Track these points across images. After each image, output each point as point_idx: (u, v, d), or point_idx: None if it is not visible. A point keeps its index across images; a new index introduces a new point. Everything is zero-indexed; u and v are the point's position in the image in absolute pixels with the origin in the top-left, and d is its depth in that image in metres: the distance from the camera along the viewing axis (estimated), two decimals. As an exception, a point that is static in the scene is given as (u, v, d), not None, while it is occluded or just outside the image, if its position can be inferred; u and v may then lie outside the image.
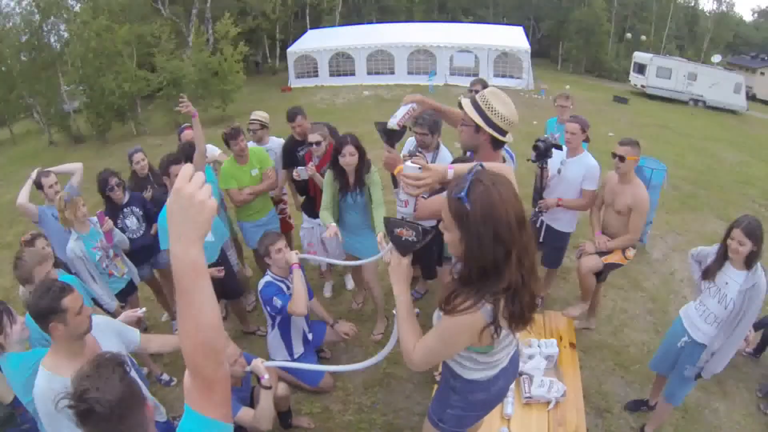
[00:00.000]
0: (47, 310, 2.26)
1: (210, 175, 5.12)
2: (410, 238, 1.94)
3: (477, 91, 5.83)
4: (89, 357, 2.43)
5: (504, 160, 2.64)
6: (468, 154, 2.82)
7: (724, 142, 15.61)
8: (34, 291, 2.32)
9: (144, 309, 3.65)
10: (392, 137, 2.52)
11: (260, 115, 5.59)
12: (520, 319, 1.72)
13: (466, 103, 2.50)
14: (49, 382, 2.29)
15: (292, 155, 5.16)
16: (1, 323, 2.72)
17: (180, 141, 5.51)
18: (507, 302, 1.67)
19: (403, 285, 2.01)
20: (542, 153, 4.38)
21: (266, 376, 3.19)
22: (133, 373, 2.02)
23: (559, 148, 4.39)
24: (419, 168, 1.99)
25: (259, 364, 3.22)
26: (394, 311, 2.07)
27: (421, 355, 1.90)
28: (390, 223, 1.98)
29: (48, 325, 2.28)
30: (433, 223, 2.04)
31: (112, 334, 2.74)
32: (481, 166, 1.75)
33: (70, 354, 2.38)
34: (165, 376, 4.61)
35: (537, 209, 4.68)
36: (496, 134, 2.44)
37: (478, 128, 2.46)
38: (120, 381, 1.76)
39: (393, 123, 2.45)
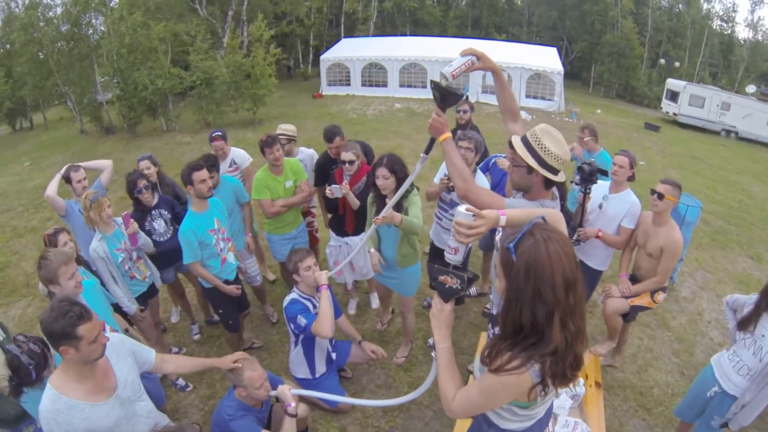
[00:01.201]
0: (60, 334, 2.17)
1: (234, 180, 5.15)
2: (454, 286, 1.90)
3: (465, 111, 5.79)
4: (99, 379, 2.38)
5: (554, 197, 2.55)
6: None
7: (756, 176, 15.28)
8: (51, 309, 2.22)
9: None
10: (446, 100, 2.32)
11: (287, 128, 5.56)
12: (563, 379, 1.66)
13: (517, 143, 2.39)
14: (54, 403, 2.24)
15: (325, 172, 5.10)
16: (47, 360, 2.72)
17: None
18: (551, 363, 1.61)
19: (444, 332, 1.97)
20: (587, 177, 4.22)
21: (293, 404, 3.15)
22: None
23: (605, 174, 4.27)
24: (472, 215, 1.91)
25: (286, 391, 3.18)
26: (433, 354, 2.01)
27: (462, 406, 1.86)
28: (435, 270, 1.94)
29: (59, 348, 2.21)
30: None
31: (126, 353, 2.66)
32: (543, 219, 1.70)
33: (79, 376, 2.32)
34: (180, 381, 4.59)
35: (575, 238, 4.51)
36: (549, 175, 2.34)
37: (530, 169, 2.36)
38: None
39: (447, 71, 2.28)
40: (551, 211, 2.07)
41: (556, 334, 1.59)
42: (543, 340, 1.61)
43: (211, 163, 4.74)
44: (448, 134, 2.43)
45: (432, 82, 2.31)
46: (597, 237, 4.42)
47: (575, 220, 4.56)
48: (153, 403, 2.81)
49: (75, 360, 2.25)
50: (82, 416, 2.28)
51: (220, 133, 5.45)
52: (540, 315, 1.58)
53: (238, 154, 5.72)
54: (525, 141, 2.37)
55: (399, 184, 3.89)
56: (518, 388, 1.67)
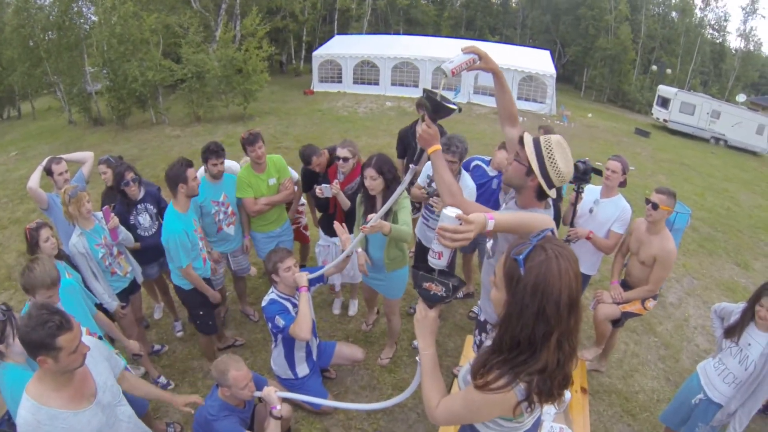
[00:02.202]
0: (38, 344, 2.06)
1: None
2: (439, 293, 1.84)
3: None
4: (78, 385, 2.28)
5: (547, 205, 2.49)
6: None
7: (744, 184, 15.44)
8: (29, 317, 2.11)
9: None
10: (437, 111, 2.23)
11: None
12: (549, 397, 1.61)
13: (528, 142, 2.32)
14: (34, 415, 2.13)
15: (312, 178, 4.97)
16: (3, 333, 2.58)
17: None
18: (539, 381, 1.56)
19: (429, 339, 1.92)
20: (580, 175, 4.16)
21: (278, 407, 3.09)
22: None
23: (599, 173, 4.22)
24: (458, 220, 1.83)
25: (272, 393, 3.12)
26: (417, 358, 1.96)
27: (444, 415, 1.81)
28: (419, 278, 1.87)
29: (36, 358, 2.10)
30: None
31: (101, 358, 2.56)
32: (552, 232, 1.64)
33: (57, 384, 2.21)
34: (162, 379, 4.52)
35: (566, 238, 4.48)
36: (545, 186, 2.29)
37: (530, 172, 2.30)
38: None
39: (447, 68, 2.19)
40: (543, 217, 2.01)
41: (550, 353, 1.54)
42: (533, 356, 1.55)
43: (220, 148, 4.61)
44: (438, 147, 2.37)
45: (425, 91, 2.24)
46: (587, 238, 4.39)
47: (565, 220, 4.53)
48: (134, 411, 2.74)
49: (53, 370, 2.15)
50: (64, 425, 2.19)
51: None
52: (539, 333, 1.52)
53: (228, 168, 5.54)
54: (536, 144, 2.31)
55: (387, 186, 3.85)
56: (502, 406, 1.62)
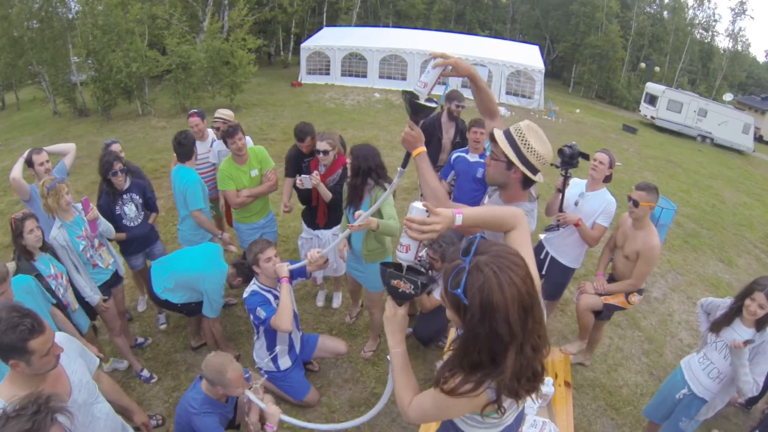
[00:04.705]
0: (9, 348, 2.02)
1: None
2: (408, 291, 1.79)
3: (460, 106, 5.72)
4: (51, 384, 2.21)
5: (531, 198, 2.47)
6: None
7: (729, 182, 15.59)
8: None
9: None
10: (419, 112, 2.19)
11: (224, 113, 5.54)
12: (517, 397, 1.57)
13: (499, 135, 2.29)
14: None
15: (297, 164, 4.90)
16: None
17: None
18: (505, 383, 1.52)
19: (398, 336, 1.90)
20: (567, 160, 4.12)
21: (275, 428, 3.10)
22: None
23: (586, 157, 4.20)
24: (426, 212, 1.79)
25: (276, 414, 3.13)
26: (388, 356, 1.95)
27: (417, 414, 1.81)
28: (387, 275, 1.82)
29: (8, 361, 2.05)
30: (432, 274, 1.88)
31: (75, 354, 2.49)
32: (482, 237, 1.57)
33: (30, 386, 2.13)
34: (145, 373, 4.46)
35: (555, 222, 4.43)
36: (528, 173, 2.25)
37: (510, 165, 2.27)
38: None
39: (422, 91, 2.13)
40: (513, 210, 1.96)
41: (512, 361, 1.49)
42: (496, 368, 1.52)
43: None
44: (422, 149, 2.33)
45: (404, 93, 2.17)
46: (576, 225, 4.33)
47: (551, 209, 4.50)
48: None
49: (25, 372, 2.11)
50: None
51: (196, 111, 5.48)
52: (497, 350, 1.49)
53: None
54: (508, 135, 2.28)
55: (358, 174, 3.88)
56: (471, 405, 1.61)
